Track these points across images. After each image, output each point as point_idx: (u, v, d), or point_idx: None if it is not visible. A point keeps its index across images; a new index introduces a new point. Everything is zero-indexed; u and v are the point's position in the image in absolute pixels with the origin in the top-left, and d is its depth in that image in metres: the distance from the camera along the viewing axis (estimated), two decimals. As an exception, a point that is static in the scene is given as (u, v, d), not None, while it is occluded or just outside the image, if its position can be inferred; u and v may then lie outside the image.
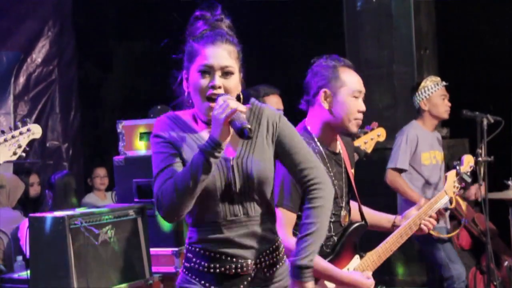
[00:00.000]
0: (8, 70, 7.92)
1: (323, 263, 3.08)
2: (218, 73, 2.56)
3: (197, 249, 2.62)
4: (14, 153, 3.67)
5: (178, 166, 2.54)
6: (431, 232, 3.63)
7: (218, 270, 2.59)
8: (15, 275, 4.77)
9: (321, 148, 3.18)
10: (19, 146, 3.64)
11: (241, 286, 2.61)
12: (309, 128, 3.23)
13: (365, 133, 4.74)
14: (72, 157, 8.58)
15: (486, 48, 7.12)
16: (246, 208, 2.60)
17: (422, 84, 5.54)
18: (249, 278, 2.62)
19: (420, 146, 5.48)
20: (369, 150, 4.71)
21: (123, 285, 4.48)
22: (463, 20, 7.25)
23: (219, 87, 2.55)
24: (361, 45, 6.95)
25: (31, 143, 3.79)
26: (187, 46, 2.65)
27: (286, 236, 2.98)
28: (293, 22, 7.94)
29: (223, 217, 2.58)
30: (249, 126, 2.41)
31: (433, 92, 5.49)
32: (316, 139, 3.19)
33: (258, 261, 2.63)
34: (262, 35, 7.69)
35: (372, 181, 6.11)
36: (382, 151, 5.90)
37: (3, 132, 3.65)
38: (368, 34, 6.90)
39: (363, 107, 3.21)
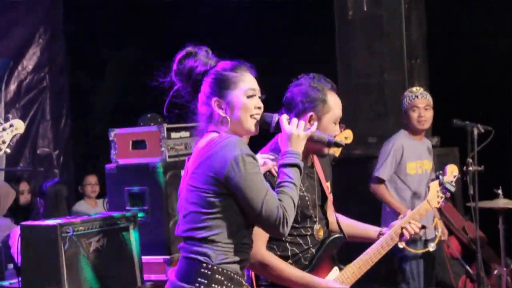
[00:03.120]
0: (-2, 77, 7.91)
1: (297, 272, 3.07)
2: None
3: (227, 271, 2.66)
4: None
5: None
6: (404, 246, 3.59)
7: None
8: (6, 283, 4.76)
9: None
10: (3, 142, 3.64)
11: None
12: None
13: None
14: (63, 164, 8.54)
15: (477, 57, 7.15)
16: None
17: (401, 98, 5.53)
18: None
19: (406, 156, 5.39)
20: (337, 154, 4.55)
21: (115, 293, 4.48)
22: (454, 29, 7.29)
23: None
24: (352, 54, 6.97)
25: (21, 145, 3.79)
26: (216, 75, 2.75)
27: (258, 249, 2.95)
28: (283, 31, 7.95)
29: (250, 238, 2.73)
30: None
31: (406, 105, 5.43)
32: None
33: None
34: (251, 43, 7.70)
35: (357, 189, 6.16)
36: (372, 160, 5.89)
37: None
38: (359, 43, 6.91)
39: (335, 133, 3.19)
